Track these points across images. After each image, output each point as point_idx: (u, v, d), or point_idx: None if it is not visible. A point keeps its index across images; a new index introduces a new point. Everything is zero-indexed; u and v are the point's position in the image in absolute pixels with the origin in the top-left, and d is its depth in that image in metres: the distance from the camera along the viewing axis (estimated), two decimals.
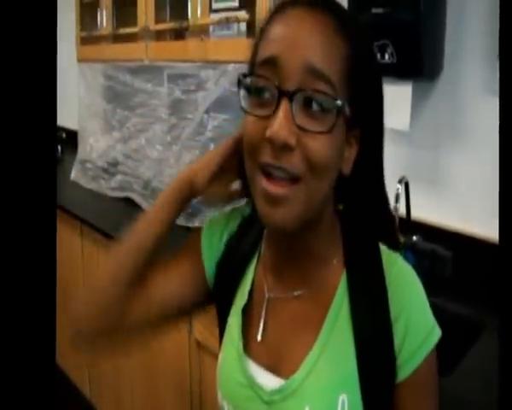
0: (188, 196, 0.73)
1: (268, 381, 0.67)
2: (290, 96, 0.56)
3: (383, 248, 0.68)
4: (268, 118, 0.57)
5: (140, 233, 0.73)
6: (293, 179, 0.58)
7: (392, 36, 1.36)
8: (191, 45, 1.96)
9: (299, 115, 0.57)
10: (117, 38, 2.46)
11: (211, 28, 1.90)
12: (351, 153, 0.64)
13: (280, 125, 0.55)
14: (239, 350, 0.70)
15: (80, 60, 2.78)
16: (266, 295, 0.71)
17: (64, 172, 2.78)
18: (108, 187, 2.47)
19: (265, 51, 0.59)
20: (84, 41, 2.74)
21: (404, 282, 0.65)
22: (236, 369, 0.70)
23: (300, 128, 0.56)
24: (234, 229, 0.77)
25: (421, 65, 1.37)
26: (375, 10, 1.36)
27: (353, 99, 0.60)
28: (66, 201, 2.33)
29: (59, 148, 3.19)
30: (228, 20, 1.78)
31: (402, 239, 1.43)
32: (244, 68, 0.65)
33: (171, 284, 0.74)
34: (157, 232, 0.72)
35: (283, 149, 0.56)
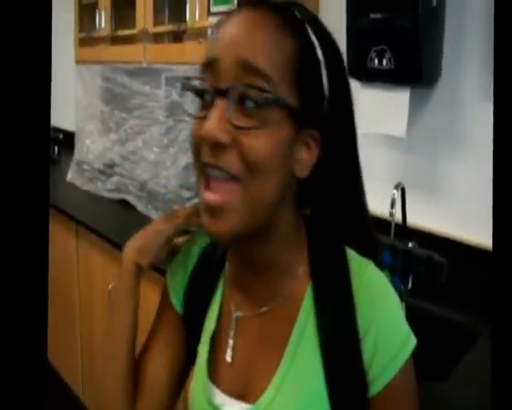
0: (139, 275, 0.72)
1: (235, 409, 0.65)
2: (224, 94, 0.55)
3: (354, 254, 0.65)
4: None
5: (115, 342, 0.72)
6: (231, 179, 0.56)
7: (391, 41, 1.35)
8: (189, 48, 1.95)
9: (234, 113, 0.55)
10: (115, 40, 2.45)
11: (209, 31, 1.90)
12: (309, 155, 0.60)
13: (211, 123, 0.55)
14: (204, 379, 0.68)
15: (78, 61, 2.77)
16: (234, 315, 0.69)
17: (60, 174, 2.78)
18: (105, 189, 2.46)
19: (206, 54, 0.59)
20: (83, 42, 2.73)
21: (373, 293, 0.61)
22: (203, 399, 0.68)
23: (235, 126, 0.55)
24: (197, 256, 0.75)
25: (419, 71, 1.36)
26: (373, 15, 1.35)
27: (304, 96, 0.58)
28: (61, 202, 2.32)
29: (56, 149, 3.19)
30: None
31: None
32: None
33: (162, 366, 0.73)
34: (129, 331, 0.72)
35: (217, 147, 0.55)
